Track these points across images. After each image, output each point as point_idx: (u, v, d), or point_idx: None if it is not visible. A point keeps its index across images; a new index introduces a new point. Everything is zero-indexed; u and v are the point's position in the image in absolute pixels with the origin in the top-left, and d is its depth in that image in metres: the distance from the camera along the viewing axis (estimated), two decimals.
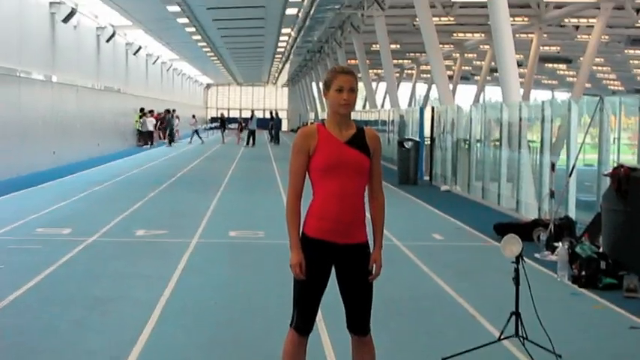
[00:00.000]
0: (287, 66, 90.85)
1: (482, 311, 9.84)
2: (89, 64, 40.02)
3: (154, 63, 61.71)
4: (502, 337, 7.97)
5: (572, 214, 16.30)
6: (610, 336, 9.06)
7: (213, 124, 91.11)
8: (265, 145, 58.65)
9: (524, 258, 8.31)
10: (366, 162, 5.74)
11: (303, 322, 5.83)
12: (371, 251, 5.83)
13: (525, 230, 15.61)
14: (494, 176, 22.65)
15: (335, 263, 5.77)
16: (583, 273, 11.72)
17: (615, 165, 12.44)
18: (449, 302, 10.44)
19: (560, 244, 12.84)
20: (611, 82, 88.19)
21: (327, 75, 5.82)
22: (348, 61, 61.36)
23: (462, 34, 55.16)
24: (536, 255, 13.76)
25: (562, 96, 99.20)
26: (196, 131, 60.53)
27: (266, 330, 8.84)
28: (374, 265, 5.80)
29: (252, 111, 64.31)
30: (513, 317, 7.98)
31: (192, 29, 47.43)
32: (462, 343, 8.27)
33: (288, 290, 10.42)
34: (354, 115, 57.30)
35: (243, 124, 65.95)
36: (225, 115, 75.76)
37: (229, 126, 71.48)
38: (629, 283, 11.08)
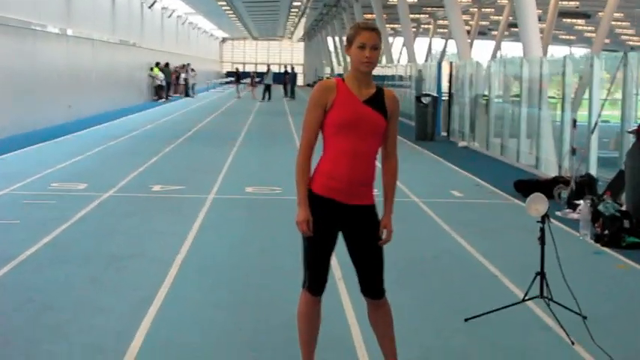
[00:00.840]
0: (303, 20, 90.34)
1: (505, 271, 9.67)
2: (104, 17, 39.76)
3: (169, 17, 61.39)
4: (526, 297, 7.78)
5: (593, 171, 16.07)
6: (635, 297, 8.88)
7: (229, 79, 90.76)
8: (281, 99, 58.35)
9: (550, 218, 8.02)
10: (382, 123, 5.55)
11: (314, 282, 5.70)
12: (379, 214, 5.66)
13: (546, 188, 15.41)
14: (513, 133, 22.38)
15: (342, 225, 5.60)
16: (606, 232, 11.51)
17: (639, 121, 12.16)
18: (470, 261, 10.27)
19: (582, 201, 12.62)
20: (630, 37, 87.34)
21: (350, 30, 5.58)
22: (365, 16, 60.89)
23: None
24: (558, 213, 13.55)
25: (579, 51, 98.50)
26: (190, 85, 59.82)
27: (284, 289, 8.69)
28: (384, 231, 5.63)
29: (268, 65, 64.01)
30: (538, 278, 7.77)
31: None
32: (484, 303, 8.11)
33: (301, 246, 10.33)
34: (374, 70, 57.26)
35: (258, 79, 65.68)
36: (240, 70, 75.31)
37: (244, 80, 71.15)
38: None
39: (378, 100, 5.56)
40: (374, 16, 52.53)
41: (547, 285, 7.70)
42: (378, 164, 5.48)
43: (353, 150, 5.46)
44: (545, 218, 7.84)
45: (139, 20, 49.16)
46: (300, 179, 5.56)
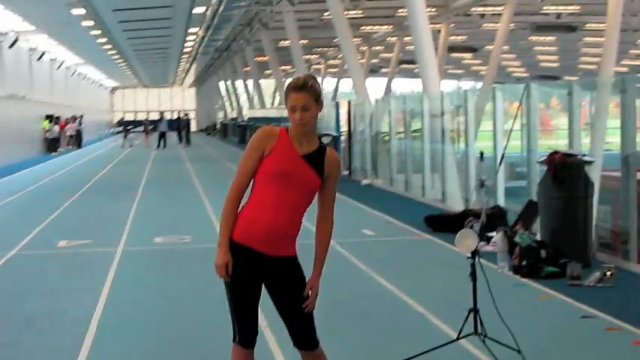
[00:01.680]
0: (194, 66, 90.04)
1: (430, 309, 9.58)
2: None
3: (58, 68, 60.49)
4: (460, 335, 7.68)
5: (501, 202, 16.18)
6: (564, 327, 8.88)
7: (119, 129, 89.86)
8: (175, 146, 57.85)
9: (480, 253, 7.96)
10: (315, 181, 5.42)
11: (244, 335, 5.53)
12: (300, 264, 5.52)
13: (457, 221, 15.45)
14: (416, 168, 22.49)
15: (263, 276, 5.45)
16: (524, 262, 11.54)
17: (550, 151, 12.29)
18: (394, 301, 10.16)
19: (496, 233, 12.66)
20: (516, 69, 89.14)
21: (285, 89, 5.47)
22: (256, 59, 60.95)
23: (369, 27, 55.13)
24: (456, 246, 13.52)
25: (467, 85, 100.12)
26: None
27: (212, 340, 8.45)
28: (310, 291, 5.48)
29: (162, 113, 63.38)
30: (471, 315, 7.68)
31: (98, 32, 46.54)
32: (415, 343, 8.01)
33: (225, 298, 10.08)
34: (266, 113, 56.55)
35: (151, 127, 65.13)
36: (130, 119, 74.55)
37: (134, 129, 70.26)
38: (573, 270, 10.94)
39: (317, 158, 5.43)
40: (266, 58, 52.65)
41: (481, 321, 7.62)
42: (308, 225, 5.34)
43: (279, 201, 5.33)
44: (475, 254, 7.74)
45: (27, 72, 48.28)
46: (224, 222, 5.41)
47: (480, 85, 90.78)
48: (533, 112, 15.09)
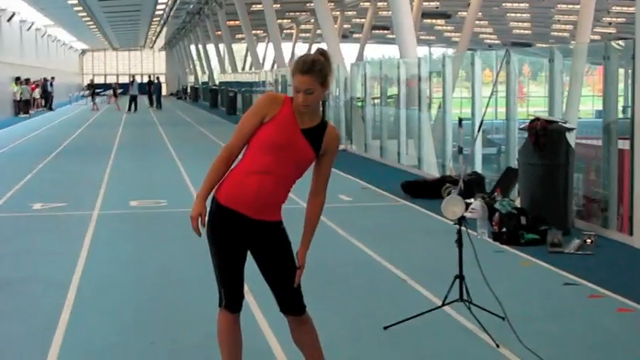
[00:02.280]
0: (165, 29, 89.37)
1: (412, 275, 9.53)
2: None
3: (28, 30, 59.84)
4: (446, 301, 7.63)
5: (478, 169, 16.14)
6: (547, 294, 8.85)
7: (87, 92, 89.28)
8: (147, 110, 57.44)
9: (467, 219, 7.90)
10: (310, 158, 5.33)
11: (231, 299, 5.46)
12: (285, 228, 5.45)
13: (434, 188, 15.46)
14: (391, 134, 22.40)
15: (248, 241, 5.37)
16: (504, 229, 11.51)
17: (532, 118, 12.23)
18: (376, 267, 10.10)
19: (475, 200, 12.61)
20: (488, 35, 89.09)
21: (293, 63, 5.31)
22: (228, 22, 60.50)
23: None
24: (443, 212, 13.48)
25: (439, 51, 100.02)
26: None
27: (192, 306, 8.37)
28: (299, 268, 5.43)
29: (133, 76, 62.83)
30: (456, 281, 7.63)
31: None
32: (399, 309, 7.98)
33: (204, 261, 10.01)
34: (237, 77, 56.18)
35: (119, 90, 64.60)
36: (102, 82, 73.97)
37: (103, 93, 69.68)
38: (553, 237, 10.91)
39: (316, 134, 5.32)
40: (238, 22, 52.28)
41: (466, 288, 7.57)
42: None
43: (271, 169, 5.23)
44: (461, 220, 7.67)
45: None
46: (208, 176, 5.36)
47: (450, 51, 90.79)
48: (512, 79, 15.03)
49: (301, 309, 5.51)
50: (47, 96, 56.49)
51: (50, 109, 55.82)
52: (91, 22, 69.44)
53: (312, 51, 5.39)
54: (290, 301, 5.48)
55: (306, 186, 5.48)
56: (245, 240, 5.36)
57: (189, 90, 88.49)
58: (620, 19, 62.15)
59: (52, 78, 57.90)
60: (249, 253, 5.45)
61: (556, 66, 13.95)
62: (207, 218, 5.35)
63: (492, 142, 22.22)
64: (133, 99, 54.69)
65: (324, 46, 31.26)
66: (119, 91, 64.58)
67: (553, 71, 13.95)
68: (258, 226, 5.32)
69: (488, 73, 24.10)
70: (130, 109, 53.85)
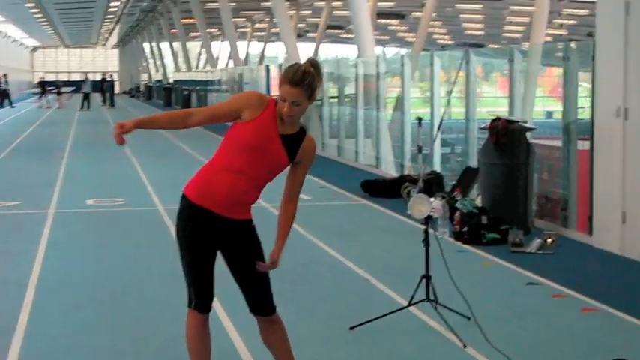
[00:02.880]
0: (118, 26, 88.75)
1: (375, 274, 9.49)
2: None
3: None
4: (412, 301, 7.59)
5: (437, 168, 16.15)
6: (511, 293, 8.85)
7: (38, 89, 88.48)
8: (99, 108, 56.93)
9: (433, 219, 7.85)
10: (284, 164, 5.26)
11: (200, 299, 5.37)
12: (255, 227, 5.40)
13: (393, 187, 15.44)
14: (349, 134, 22.38)
15: (218, 239, 5.29)
16: (465, 229, 11.51)
17: (493, 118, 12.25)
18: (339, 267, 10.05)
19: (434, 199, 12.58)
20: (441, 36, 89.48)
21: (282, 72, 5.20)
22: (183, 20, 60.21)
23: None
24: (409, 212, 13.47)
25: (393, 51, 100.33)
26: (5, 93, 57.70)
27: (155, 305, 8.27)
28: (269, 261, 5.34)
29: (86, 74, 62.37)
30: (424, 281, 7.60)
31: None
32: (363, 309, 7.93)
33: (165, 260, 9.92)
34: (192, 75, 55.80)
35: (61, 88, 64.02)
36: (53, 79, 73.33)
37: (54, 90, 69.01)
38: (515, 237, 10.93)
39: (294, 143, 5.24)
40: (193, 20, 52.04)
41: (433, 288, 7.54)
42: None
43: (242, 169, 5.15)
44: (428, 220, 7.64)
45: None
46: (156, 115, 5.37)
47: (404, 51, 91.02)
48: (472, 79, 15.06)
49: (271, 309, 5.45)
50: (2, 93, 55.79)
51: (11, 105, 55.19)
52: (43, 19, 68.84)
53: (266, 51, 5.29)
54: (260, 301, 5.42)
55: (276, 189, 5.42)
56: (215, 238, 5.28)
57: (142, 88, 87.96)
58: (570, 21, 62.69)
59: (5, 75, 57.21)
60: (218, 253, 5.37)
61: (515, 66, 13.99)
62: (177, 216, 5.28)
63: (446, 141, 22.27)
64: (86, 97, 54.15)
65: (280, 45, 31.10)
66: (70, 89, 63.99)
67: (513, 71, 14.00)
68: (228, 224, 5.25)
69: (442, 73, 24.21)
70: (82, 106, 53.33)
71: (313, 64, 5.18)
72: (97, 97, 62.22)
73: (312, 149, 5.37)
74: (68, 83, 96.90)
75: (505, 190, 11.94)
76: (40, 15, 64.42)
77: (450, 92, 12.27)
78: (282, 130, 5.20)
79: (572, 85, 12.23)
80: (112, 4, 59.19)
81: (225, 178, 5.15)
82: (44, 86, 62.88)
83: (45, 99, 59.05)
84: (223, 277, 5.46)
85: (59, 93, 60.98)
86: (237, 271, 5.38)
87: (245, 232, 5.34)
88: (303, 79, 5.08)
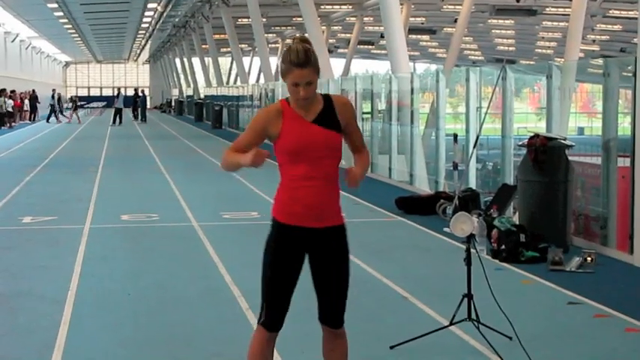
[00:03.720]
0: (150, 42, 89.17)
1: (414, 292, 9.39)
2: None
3: (12, 41, 59.58)
4: (453, 321, 7.50)
5: (472, 185, 16.04)
6: (551, 313, 8.73)
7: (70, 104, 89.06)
8: (132, 123, 57.16)
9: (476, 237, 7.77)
10: (336, 139, 5.20)
11: (272, 318, 5.30)
12: (347, 236, 5.37)
13: (428, 204, 15.34)
14: (382, 149, 22.30)
15: (309, 249, 5.25)
16: (502, 247, 11.40)
17: (531, 134, 12.13)
18: (376, 284, 9.96)
19: (473, 217, 12.47)
20: (472, 52, 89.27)
21: (281, 63, 5.15)
22: (215, 36, 60.39)
23: (329, 7, 54.76)
24: (446, 229, 13.38)
25: (422, 67, 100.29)
26: (57, 109, 58.50)
27: (191, 323, 8.21)
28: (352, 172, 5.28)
29: (119, 89, 62.61)
30: (464, 300, 7.50)
31: (54, 5, 45.84)
32: (403, 328, 7.88)
33: (201, 277, 9.89)
34: (225, 91, 55.82)
35: (78, 103, 64.29)
36: (79, 94, 73.80)
37: (86, 105, 69.59)
38: (554, 255, 10.80)
39: (328, 115, 5.19)
40: (225, 36, 52.13)
41: (474, 307, 7.44)
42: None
43: (309, 174, 5.12)
44: (470, 238, 7.54)
45: None
46: (227, 158, 5.25)
47: (434, 67, 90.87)
48: (508, 96, 14.95)
49: (341, 322, 5.43)
50: (33, 107, 56.51)
51: (57, 117, 56.16)
52: (75, 35, 69.27)
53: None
54: (333, 311, 5.38)
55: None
56: (305, 252, 5.25)
57: (173, 103, 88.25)
58: (603, 37, 62.36)
59: (54, 90, 57.97)
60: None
61: (553, 82, 13.88)
62: (267, 237, 5.26)
63: (477, 158, 22.16)
64: (119, 112, 54.40)
65: None
66: (102, 104, 64.38)
67: (550, 87, 13.88)
68: (320, 233, 5.21)
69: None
70: (114, 121, 53.56)
71: (304, 39, 5.18)
72: (128, 112, 62.45)
73: (345, 103, 5.34)
74: (99, 98, 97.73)
75: (544, 208, 11.82)
76: (72, 31, 64.83)
77: (487, 108, 12.19)
78: (310, 118, 5.16)
79: (612, 102, 12.09)
80: (144, 19, 59.43)
81: (301, 193, 5.12)
82: (75, 102, 63.23)
83: (75, 114, 59.30)
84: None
85: (75, 108, 61.07)
86: (320, 278, 5.33)
87: (339, 239, 5.31)
88: (308, 57, 5.07)
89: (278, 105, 5.22)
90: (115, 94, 58.87)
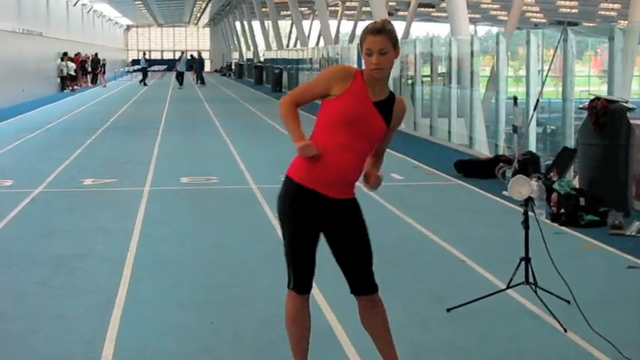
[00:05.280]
0: (210, 5, 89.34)
1: (471, 256, 9.35)
2: (9, 6, 38.50)
3: (74, 5, 60.02)
4: (511, 284, 7.46)
5: (532, 149, 15.91)
6: (611, 277, 8.66)
7: (136, 67, 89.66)
8: (192, 86, 57.43)
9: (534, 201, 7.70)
10: (383, 130, 5.21)
11: (300, 280, 5.34)
12: (360, 206, 5.36)
13: (488, 167, 15.24)
14: (441, 113, 22.18)
15: (323, 220, 5.24)
16: (562, 210, 11.30)
17: (592, 97, 11.96)
18: (433, 247, 9.93)
19: (533, 180, 12.38)
20: (534, 14, 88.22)
21: (361, 34, 5.20)
22: None
23: None
24: (504, 192, 13.28)
25: (483, 30, 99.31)
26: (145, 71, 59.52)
27: (252, 285, 8.27)
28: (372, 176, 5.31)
29: (182, 52, 63.07)
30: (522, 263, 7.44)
31: None
32: (459, 291, 7.85)
33: (260, 239, 9.96)
34: (285, 54, 55.88)
35: (101, 64, 64.31)
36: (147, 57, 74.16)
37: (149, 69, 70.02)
38: (614, 219, 10.68)
39: (387, 107, 5.20)
40: None
41: (532, 271, 7.39)
42: None
43: (345, 146, 5.11)
44: (528, 201, 7.47)
45: (44, 9, 47.87)
46: (290, 119, 5.20)
47: (495, 30, 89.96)
48: (569, 58, 14.76)
49: (373, 287, 5.40)
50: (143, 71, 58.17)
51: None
52: None
53: (357, 29, 5.24)
54: (362, 279, 5.36)
55: None
56: (320, 220, 5.24)
57: (233, 67, 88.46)
58: None
59: (144, 53, 58.90)
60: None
61: (616, 44, 13.68)
62: (280, 197, 5.26)
63: (538, 121, 21.96)
64: (180, 75, 54.81)
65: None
66: (163, 67, 64.89)
67: (613, 50, 13.68)
68: (335, 204, 5.21)
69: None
70: (181, 84, 53.86)
71: (387, 20, 5.20)
72: (189, 76, 62.73)
73: (404, 112, 5.36)
74: (160, 62, 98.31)
75: (604, 172, 11.68)
76: None
77: (547, 71, 12.06)
78: (374, 98, 5.15)
79: None
80: None
81: (331, 160, 5.10)
82: (99, 63, 63.17)
83: (102, 78, 59.79)
84: (320, 257, 5.41)
85: (103, 72, 61.10)
86: (340, 251, 5.33)
87: (352, 211, 5.29)
88: (384, 26, 5.09)
89: (353, 69, 5.21)
90: (177, 57, 59.29)
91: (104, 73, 61.23)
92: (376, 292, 5.42)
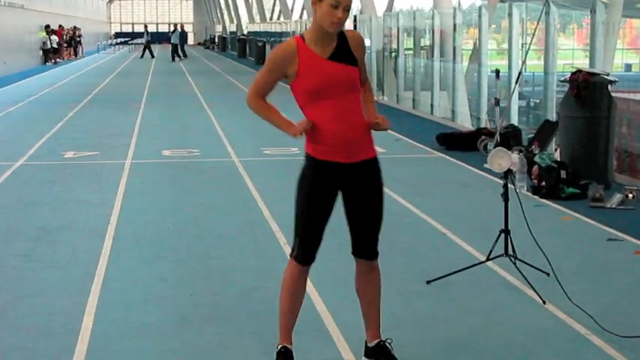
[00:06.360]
0: None
1: (452, 228, 9.37)
2: None
3: None
4: (490, 256, 7.48)
5: (514, 122, 15.92)
6: (591, 249, 8.68)
7: (119, 40, 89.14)
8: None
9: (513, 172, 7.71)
10: (355, 74, 5.18)
11: (304, 251, 5.33)
12: (380, 168, 5.35)
13: (470, 140, 15.24)
14: (424, 86, 22.15)
15: (343, 184, 5.25)
16: (543, 183, 11.32)
17: (573, 70, 11.97)
18: (415, 220, 9.95)
19: (512, 153, 12.39)
20: None
21: None
22: None
23: None
24: (486, 165, 13.29)
25: (468, 3, 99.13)
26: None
27: (231, 258, 8.29)
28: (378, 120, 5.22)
29: (175, 25, 62.95)
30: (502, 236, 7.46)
31: None
32: (440, 263, 7.89)
33: (240, 212, 9.96)
34: (268, 27, 55.76)
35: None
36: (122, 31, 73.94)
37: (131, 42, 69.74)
38: (595, 192, 10.71)
39: (344, 50, 5.15)
40: None
41: (512, 243, 7.41)
42: None
43: (334, 110, 5.11)
44: (508, 174, 7.48)
45: None
46: (263, 111, 5.25)
47: (479, 2, 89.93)
48: (551, 31, 14.75)
49: (375, 253, 5.45)
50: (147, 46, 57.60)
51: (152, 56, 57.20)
52: None
53: None
54: (368, 243, 5.40)
55: None
56: (339, 186, 5.26)
57: (217, 40, 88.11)
58: None
59: (146, 26, 58.47)
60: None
61: (598, 17, 13.67)
62: (301, 171, 5.27)
63: (521, 94, 21.99)
64: (175, 48, 54.64)
65: None
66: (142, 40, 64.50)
67: (595, 23, 13.68)
68: (352, 168, 5.21)
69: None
70: (173, 58, 53.58)
71: None
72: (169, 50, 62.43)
73: (358, 37, 5.30)
74: (143, 35, 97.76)
75: (585, 144, 11.69)
76: None
77: (529, 44, 12.05)
78: (326, 54, 5.12)
79: None
80: None
81: (328, 128, 5.11)
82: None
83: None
84: None
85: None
86: (352, 210, 5.34)
87: (372, 171, 5.29)
88: None
89: (292, 43, 5.16)
90: (171, 30, 59.15)
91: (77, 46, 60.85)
92: (375, 258, 5.47)
